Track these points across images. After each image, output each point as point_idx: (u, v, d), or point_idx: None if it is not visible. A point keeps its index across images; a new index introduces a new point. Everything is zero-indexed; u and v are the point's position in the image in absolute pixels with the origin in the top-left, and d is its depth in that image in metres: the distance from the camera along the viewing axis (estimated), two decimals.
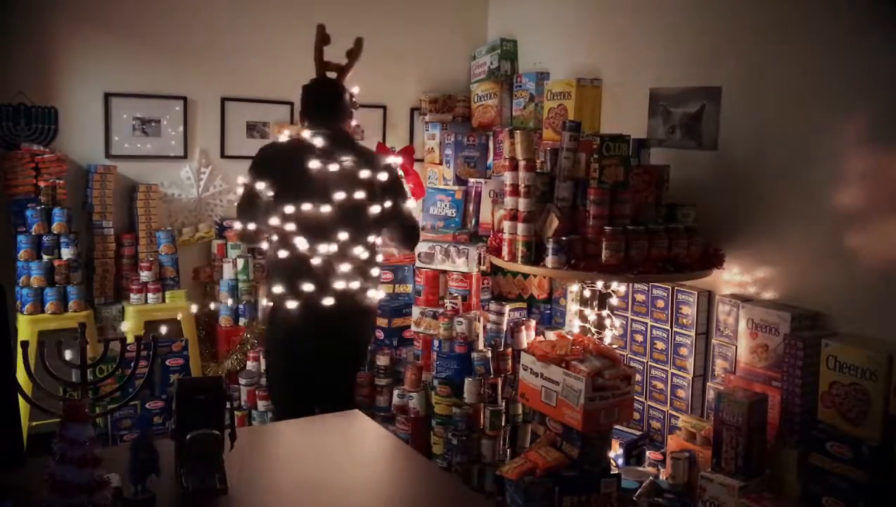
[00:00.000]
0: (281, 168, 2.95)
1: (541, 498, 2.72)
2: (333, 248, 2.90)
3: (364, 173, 2.95)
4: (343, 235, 2.91)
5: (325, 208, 2.89)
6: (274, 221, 2.89)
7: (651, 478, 3.08)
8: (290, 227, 2.87)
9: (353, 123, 3.32)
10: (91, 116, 3.96)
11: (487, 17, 4.80)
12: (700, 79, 3.34)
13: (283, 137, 3.14)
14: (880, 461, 2.44)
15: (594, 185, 2.93)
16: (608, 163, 2.94)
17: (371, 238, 3.02)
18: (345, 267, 2.92)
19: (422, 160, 4.67)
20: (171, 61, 4.11)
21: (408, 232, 3.13)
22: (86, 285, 3.79)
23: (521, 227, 3.03)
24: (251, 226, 2.93)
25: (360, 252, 2.97)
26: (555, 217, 2.97)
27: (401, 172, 3.23)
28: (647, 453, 3.29)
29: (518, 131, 3.12)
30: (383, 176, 2.99)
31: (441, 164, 4.51)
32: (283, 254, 2.91)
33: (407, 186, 3.38)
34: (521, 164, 3.05)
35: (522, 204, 3.03)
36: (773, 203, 3.06)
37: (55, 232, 3.63)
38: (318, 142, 2.97)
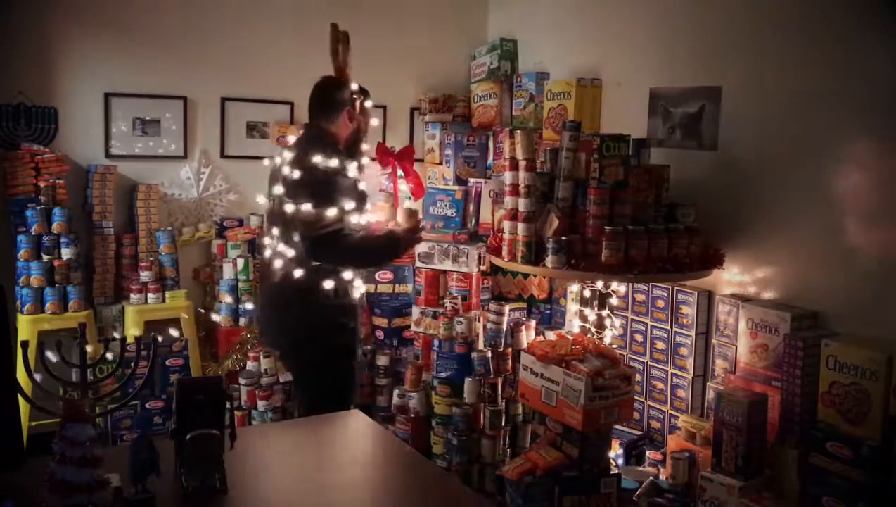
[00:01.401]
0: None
1: (541, 498, 2.73)
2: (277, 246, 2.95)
3: (286, 170, 2.88)
4: (274, 232, 2.97)
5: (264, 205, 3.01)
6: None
7: (651, 478, 3.08)
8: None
9: (373, 121, 3.30)
10: (91, 116, 3.96)
11: (487, 17, 4.80)
12: (700, 79, 3.34)
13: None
14: (880, 461, 2.44)
15: (594, 185, 2.93)
16: (608, 163, 2.94)
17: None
18: (283, 267, 2.94)
19: (422, 160, 4.67)
20: (171, 61, 4.10)
21: (310, 243, 2.80)
22: (86, 285, 3.79)
23: (521, 227, 3.03)
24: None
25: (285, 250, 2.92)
26: (555, 217, 2.97)
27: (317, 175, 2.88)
28: (647, 453, 3.29)
29: (518, 131, 3.12)
30: (295, 173, 2.84)
31: (441, 164, 4.51)
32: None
33: (330, 190, 2.88)
34: (521, 164, 3.05)
35: (522, 204, 3.03)
36: (773, 203, 3.06)
37: (55, 232, 3.63)
38: (290, 140, 3.00)
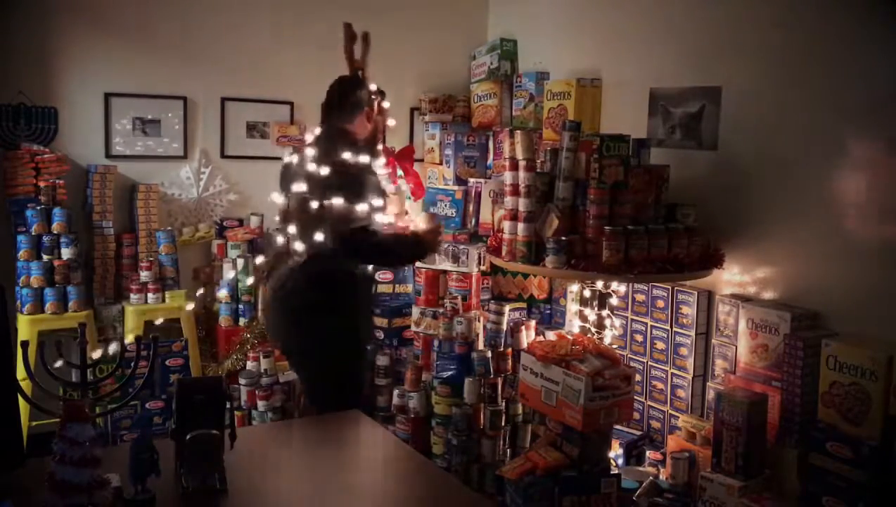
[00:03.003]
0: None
1: (541, 498, 2.72)
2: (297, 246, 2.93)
3: (311, 167, 2.89)
4: (291, 230, 2.95)
5: (281, 203, 2.96)
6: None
7: (651, 478, 3.08)
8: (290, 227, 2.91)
9: (391, 122, 3.34)
10: (91, 116, 3.96)
11: (487, 17, 4.80)
12: (700, 79, 3.34)
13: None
14: (880, 461, 2.44)
15: (594, 185, 2.93)
16: (608, 163, 2.94)
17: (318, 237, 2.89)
18: (302, 267, 2.94)
19: (422, 160, 4.67)
20: (171, 61, 4.10)
21: (342, 241, 2.83)
22: (86, 285, 3.79)
23: (521, 227, 3.03)
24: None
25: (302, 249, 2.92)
26: (555, 217, 2.97)
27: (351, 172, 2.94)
28: (647, 453, 3.29)
29: (518, 131, 3.12)
30: (323, 171, 2.84)
31: (441, 164, 4.51)
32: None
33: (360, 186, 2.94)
34: (521, 164, 3.05)
35: (522, 204, 3.03)
36: (773, 203, 3.06)
37: (55, 232, 3.63)
38: (308, 139, 3.00)
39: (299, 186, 2.90)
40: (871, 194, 2.76)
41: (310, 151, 2.97)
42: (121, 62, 3.99)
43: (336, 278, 2.93)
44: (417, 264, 3.82)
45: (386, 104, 3.25)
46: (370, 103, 3.13)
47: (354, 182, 2.87)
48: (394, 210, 3.37)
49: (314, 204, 2.83)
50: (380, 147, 3.24)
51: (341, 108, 3.11)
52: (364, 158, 2.92)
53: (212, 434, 1.71)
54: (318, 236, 2.83)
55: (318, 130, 3.14)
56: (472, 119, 4.61)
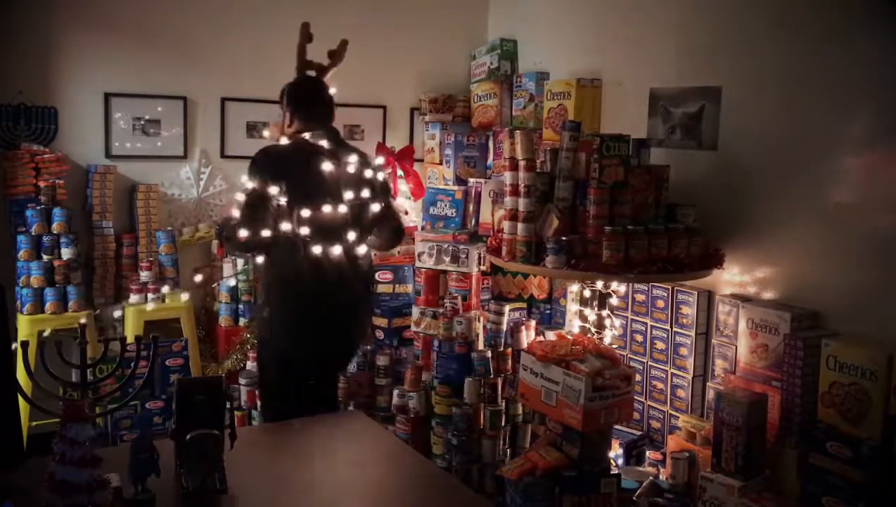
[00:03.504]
0: (294, 171, 2.88)
1: (541, 498, 2.72)
2: (340, 249, 2.90)
3: (368, 173, 3.00)
4: (352, 236, 2.92)
5: (342, 209, 2.89)
6: (287, 226, 2.81)
7: (651, 478, 3.08)
8: (306, 231, 2.82)
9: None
10: (91, 116, 3.97)
11: (487, 17, 4.80)
12: (700, 79, 3.34)
13: (283, 140, 3.06)
14: (880, 461, 2.44)
15: (594, 185, 2.93)
16: (608, 163, 2.94)
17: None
18: (354, 268, 2.94)
19: (422, 160, 4.67)
20: (171, 61, 4.11)
21: (396, 232, 3.17)
22: (86, 285, 3.79)
23: (521, 227, 3.03)
24: (266, 233, 2.79)
25: (363, 252, 3.02)
26: (555, 217, 2.97)
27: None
28: (647, 453, 3.29)
29: (518, 131, 3.12)
30: (381, 175, 3.06)
31: (441, 164, 4.51)
32: (297, 258, 2.84)
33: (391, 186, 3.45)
34: (521, 164, 3.05)
35: (522, 204, 3.03)
36: (773, 203, 3.06)
37: (55, 232, 3.63)
38: (325, 143, 2.97)
39: (356, 192, 2.96)
40: (871, 194, 2.76)
41: (353, 157, 3.00)
42: (121, 62, 4.00)
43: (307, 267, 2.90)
44: (402, 260, 4.02)
45: None
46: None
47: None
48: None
49: (375, 207, 3.02)
50: None
51: (332, 110, 3.12)
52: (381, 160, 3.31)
53: (212, 434, 1.71)
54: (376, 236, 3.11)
55: (310, 134, 3.03)
56: (472, 119, 4.61)
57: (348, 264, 2.94)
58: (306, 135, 3.01)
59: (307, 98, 3.09)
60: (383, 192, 3.11)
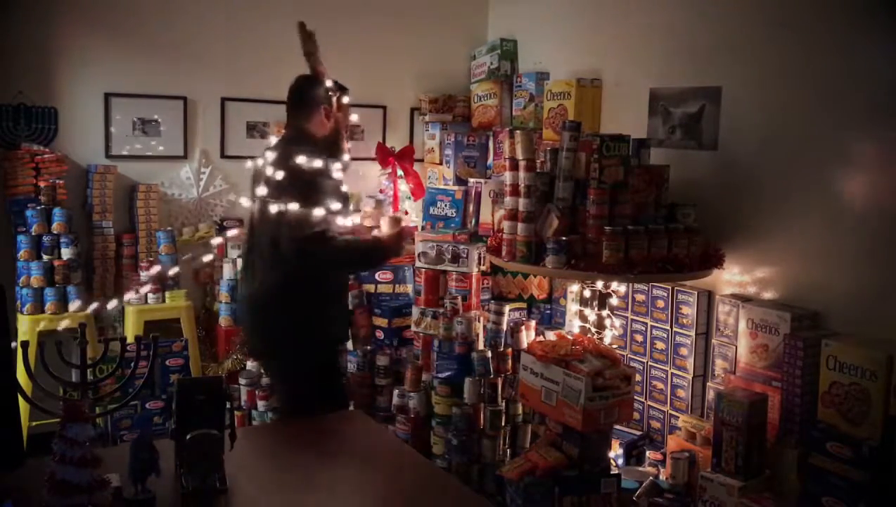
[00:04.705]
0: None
1: (541, 498, 2.72)
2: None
3: (268, 171, 2.81)
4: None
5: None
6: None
7: (651, 478, 3.08)
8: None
9: (354, 117, 3.27)
10: (91, 116, 3.97)
11: (487, 17, 4.80)
12: (700, 79, 3.34)
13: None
14: (880, 461, 2.43)
15: (594, 185, 2.93)
16: (608, 163, 2.94)
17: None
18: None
19: (422, 160, 4.67)
20: (171, 61, 4.10)
21: (299, 246, 2.75)
22: (86, 285, 3.79)
23: (521, 227, 3.03)
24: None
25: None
26: (555, 217, 2.97)
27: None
28: (647, 453, 3.29)
29: (518, 131, 3.12)
30: (279, 175, 2.77)
31: (441, 164, 4.51)
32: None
33: (318, 189, 2.84)
34: (521, 164, 3.05)
35: (522, 204, 3.03)
36: (773, 203, 3.06)
37: (55, 232, 3.63)
38: (271, 141, 2.96)
39: (260, 190, 2.84)
40: (871, 194, 2.76)
41: (269, 154, 2.89)
42: (121, 62, 3.99)
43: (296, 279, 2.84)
44: (402, 260, 3.82)
45: (346, 99, 3.13)
46: (328, 101, 3.03)
47: (308, 186, 2.78)
48: (370, 220, 3.31)
49: (272, 209, 2.74)
50: (345, 145, 3.17)
51: (299, 107, 3.05)
52: (319, 162, 2.81)
53: (212, 434, 1.71)
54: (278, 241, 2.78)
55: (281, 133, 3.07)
56: (472, 119, 4.61)
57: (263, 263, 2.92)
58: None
59: (287, 97, 3.10)
60: (276, 190, 2.77)
